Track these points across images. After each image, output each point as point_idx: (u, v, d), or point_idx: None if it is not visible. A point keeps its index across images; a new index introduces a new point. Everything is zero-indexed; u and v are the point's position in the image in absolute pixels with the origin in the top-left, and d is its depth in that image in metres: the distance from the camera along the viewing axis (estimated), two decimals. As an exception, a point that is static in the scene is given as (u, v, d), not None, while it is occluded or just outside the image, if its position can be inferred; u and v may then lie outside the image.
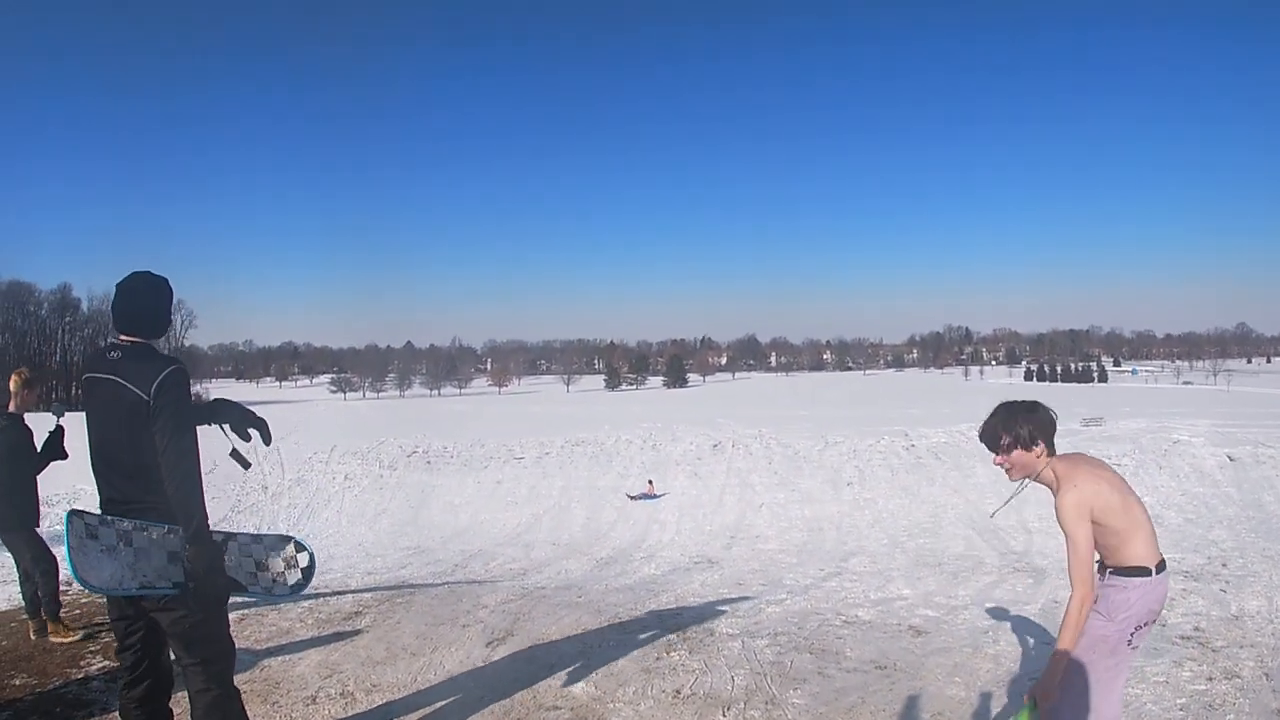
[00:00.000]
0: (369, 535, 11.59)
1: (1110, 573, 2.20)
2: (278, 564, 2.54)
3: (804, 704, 3.21)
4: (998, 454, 2.30)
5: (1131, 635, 2.16)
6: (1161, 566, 2.19)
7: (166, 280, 2.45)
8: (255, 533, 2.52)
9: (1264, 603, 5.01)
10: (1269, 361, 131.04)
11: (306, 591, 5.99)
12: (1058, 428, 2.28)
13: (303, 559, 2.61)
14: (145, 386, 2.21)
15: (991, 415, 2.33)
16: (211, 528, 2.30)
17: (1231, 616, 4.70)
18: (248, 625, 4.53)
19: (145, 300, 2.39)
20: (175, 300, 2.47)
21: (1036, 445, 2.26)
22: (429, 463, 17.76)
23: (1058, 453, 2.31)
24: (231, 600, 2.52)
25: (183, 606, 2.26)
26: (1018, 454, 2.26)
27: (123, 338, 2.36)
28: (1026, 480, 2.31)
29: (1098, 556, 2.23)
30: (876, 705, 3.21)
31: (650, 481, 14.97)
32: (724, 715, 3.10)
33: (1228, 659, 3.87)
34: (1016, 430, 2.25)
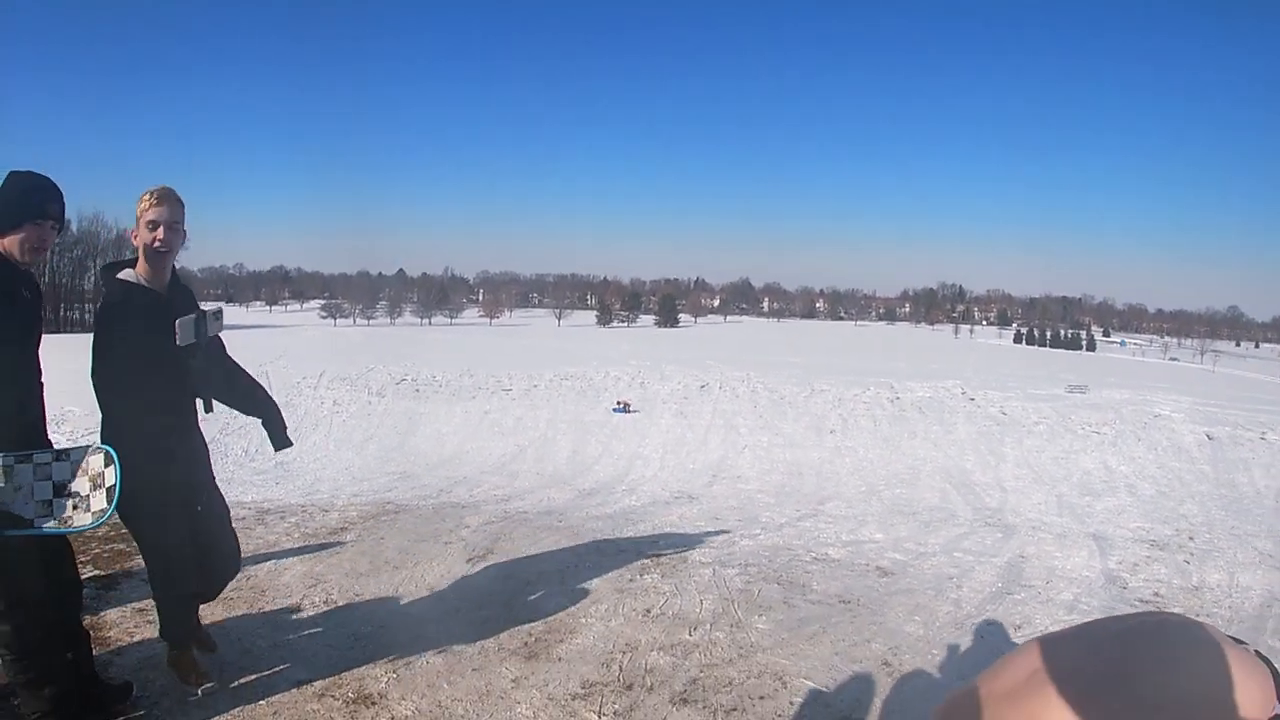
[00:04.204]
0: (356, 460, 11.77)
1: None
2: (83, 484, 2.19)
3: (767, 629, 3.36)
4: None
5: None
6: None
7: (16, 172, 2.18)
8: (58, 448, 2.20)
9: (1225, 577, 5.10)
10: (1257, 347, 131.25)
11: (292, 504, 6.14)
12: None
13: (110, 475, 2.18)
14: None
15: None
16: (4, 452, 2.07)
17: (1192, 587, 4.82)
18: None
19: None
20: (22, 188, 2.15)
21: None
22: (417, 391, 17.89)
23: None
24: None
25: None
26: None
27: None
28: None
29: None
30: (836, 635, 3.36)
31: (618, 400, 15.72)
32: (691, 634, 3.24)
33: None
34: None
